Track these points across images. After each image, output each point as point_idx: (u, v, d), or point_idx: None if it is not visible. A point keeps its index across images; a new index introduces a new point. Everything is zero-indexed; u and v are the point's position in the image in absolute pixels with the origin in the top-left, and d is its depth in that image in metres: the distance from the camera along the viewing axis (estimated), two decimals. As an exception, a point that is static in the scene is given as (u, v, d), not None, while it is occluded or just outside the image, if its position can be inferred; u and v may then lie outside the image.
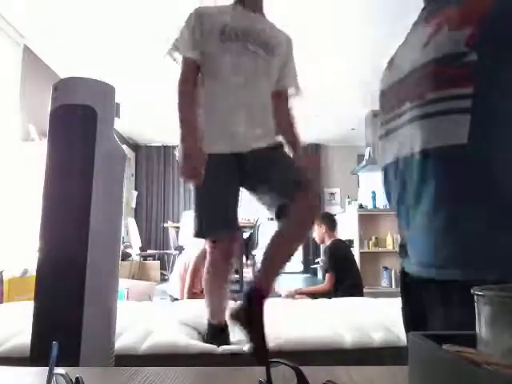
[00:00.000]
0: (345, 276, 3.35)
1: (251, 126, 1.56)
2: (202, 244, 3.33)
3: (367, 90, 5.52)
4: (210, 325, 1.59)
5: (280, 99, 1.72)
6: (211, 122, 1.56)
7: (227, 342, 1.54)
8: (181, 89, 1.55)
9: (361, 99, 5.57)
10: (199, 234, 1.54)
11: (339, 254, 3.54)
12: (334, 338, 1.47)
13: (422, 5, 0.83)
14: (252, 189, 1.67)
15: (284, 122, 1.72)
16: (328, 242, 3.66)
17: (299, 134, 1.75)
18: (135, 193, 7.91)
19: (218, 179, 1.52)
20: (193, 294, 3.12)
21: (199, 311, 1.89)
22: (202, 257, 3.24)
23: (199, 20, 1.59)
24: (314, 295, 3.19)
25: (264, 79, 1.62)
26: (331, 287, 3.33)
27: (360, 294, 3.15)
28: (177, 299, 3.17)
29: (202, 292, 3.23)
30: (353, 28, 3.72)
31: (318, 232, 3.71)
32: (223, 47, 1.57)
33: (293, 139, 1.72)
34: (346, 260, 3.51)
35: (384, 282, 5.04)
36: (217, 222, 1.54)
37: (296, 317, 1.86)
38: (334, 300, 2.33)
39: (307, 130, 7.25)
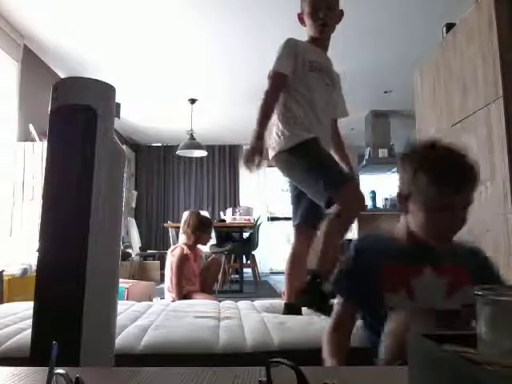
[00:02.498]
0: None
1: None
2: (179, 247, 3.36)
3: (367, 90, 5.54)
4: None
5: (335, 124, 2.29)
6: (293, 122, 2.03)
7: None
8: (271, 97, 2.04)
9: (361, 99, 5.57)
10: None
11: None
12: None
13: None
14: None
15: (339, 144, 2.30)
16: None
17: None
18: (135, 193, 7.91)
19: None
20: (184, 295, 3.12)
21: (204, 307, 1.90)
22: (182, 258, 3.24)
23: (294, 48, 2.04)
24: None
25: (330, 108, 2.12)
26: None
27: None
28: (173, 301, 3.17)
29: (199, 293, 3.24)
30: (354, 29, 3.73)
31: None
32: (310, 75, 2.03)
33: (345, 157, 2.28)
34: None
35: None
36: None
37: (296, 316, 1.86)
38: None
39: (307, 130, 7.26)
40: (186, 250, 3.29)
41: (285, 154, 1.96)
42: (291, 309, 1.97)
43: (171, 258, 3.32)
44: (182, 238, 3.53)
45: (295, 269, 2.05)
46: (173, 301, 3.15)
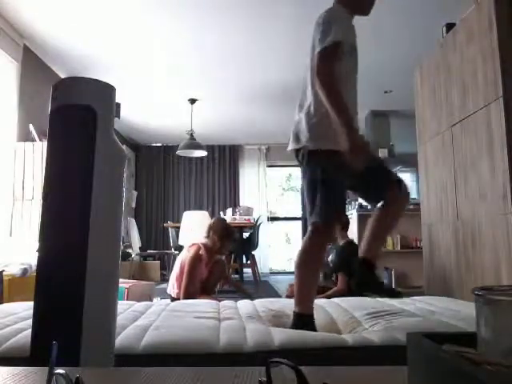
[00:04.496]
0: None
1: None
2: (196, 245, 3.35)
3: (367, 90, 5.53)
4: (299, 315, 1.72)
5: None
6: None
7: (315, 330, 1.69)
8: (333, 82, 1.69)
9: (361, 99, 5.57)
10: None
11: (353, 255, 3.53)
12: (335, 338, 1.47)
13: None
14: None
15: None
16: (341, 242, 3.66)
17: None
18: (135, 193, 7.91)
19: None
20: (189, 295, 3.12)
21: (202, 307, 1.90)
22: (196, 258, 3.23)
23: (347, 23, 1.83)
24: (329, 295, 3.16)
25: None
26: (345, 287, 3.29)
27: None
28: (174, 299, 3.17)
29: (200, 294, 3.24)
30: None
31: None
32: (350, 60, 1.81)
33: None
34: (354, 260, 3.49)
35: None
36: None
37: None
38: (335, 299, 2.33)
39: (307, 130, 7.25)
40: (202, 251, 3.28)
41: (313, 154, 1.75)
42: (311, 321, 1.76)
43: (186, 253, 3.31)
44: (204, 241, 3.49)
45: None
46: (173, 299, 3.15)
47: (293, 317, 1.74)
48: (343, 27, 1.76)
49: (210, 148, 7.58)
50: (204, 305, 2.12)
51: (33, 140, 4.03)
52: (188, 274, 3.15)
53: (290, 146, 1.86)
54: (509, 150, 2.44)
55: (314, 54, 1.73)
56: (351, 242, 3.75)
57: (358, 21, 1.91)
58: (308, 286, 1.77)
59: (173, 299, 3.17)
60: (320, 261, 1.86)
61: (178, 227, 5.20)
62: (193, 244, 3.40)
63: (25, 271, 2.96)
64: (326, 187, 1.75)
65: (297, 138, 1.82)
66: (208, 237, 3.41)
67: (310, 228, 1.77)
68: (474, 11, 2.79)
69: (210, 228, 3.44)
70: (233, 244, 5.37)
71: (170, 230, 5.91)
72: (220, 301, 2.30)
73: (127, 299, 3.06)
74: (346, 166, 1.65)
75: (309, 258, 1.76)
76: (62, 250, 0.89)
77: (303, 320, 1.70)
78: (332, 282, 3.59)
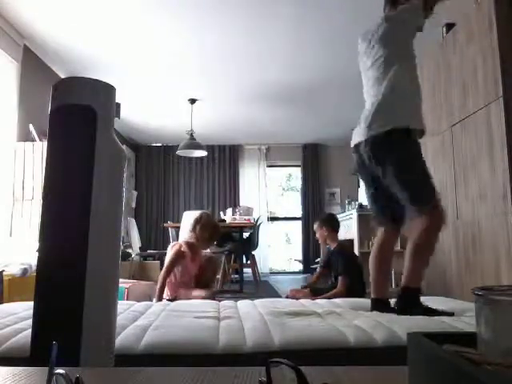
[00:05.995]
0: (355, 278, 3.33)
1: None
2: (178, 244, 3.34)
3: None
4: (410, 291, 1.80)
5: None
6: None
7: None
8: None
9: (360, 99, 5.57)
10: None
11: (348, 256, 3.52)
12: (335, 338, 1.47)
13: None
14: None
15: None
16: (332, 244, 3.63)
17: None
18: (135, 193, 7.91)
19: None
20: (178, 296, 3.10)
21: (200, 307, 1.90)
22: (177, 255, 3.21)
23: None
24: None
25: None
26: (345, 289, 3.30)
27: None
28: (170, 300, 3.16)
29: (173, 299, 3.19)
30: (354, 30, 3.73)
31: (319, 234, 3.69)
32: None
33: None
34: (353, 262, 3.49)
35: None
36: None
37: (297, 316, 1.86)
38: (335, 300, 2.33)
39: (307, 130, 7.25)
40: (185, 248, 3.24)
41: (399, 134, 1.75)
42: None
43: (169, 253, 3.31)
44: (187, 236, 3.50)
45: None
46: (168, 299, 3.14)
47: (399, 293, 1.83)
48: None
49: (210, 148, 7.57)
50: (204, 305, 2.13)
51: (33, 140, 4.03)
52: (166, 268, 3.14)
53: (371, 132, 1.84)
54: (509, 149, 2.44)
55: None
56: (342, 244, 3.73)
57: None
58: (423, 266, 1.84)
59: (168, 300, 3.16)
60: (436, 240, 1.84)
61: (178, 227, 5.19)
62: (174, 244, 3.40)
63: (25, 271, 2.96)
64: (422, 164, 1.78)
65: (380, 120, 1.81)
66: (193, 230, 3.36)
67: (422, 213, 1.77)
68: (474, 11, 2.78)
69: (197, 222, 3.39)
70: (231, 244, 5.39)
71: (169, 230, 5.91)
72: (220, 301, 2.30)
73: (127, 299, 3.06)
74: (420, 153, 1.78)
75: (428, 241, 1.81)
76: (61, 250, 0.89)
77: (410, 294, 1.79)
78: (331, 282, 3.58)
